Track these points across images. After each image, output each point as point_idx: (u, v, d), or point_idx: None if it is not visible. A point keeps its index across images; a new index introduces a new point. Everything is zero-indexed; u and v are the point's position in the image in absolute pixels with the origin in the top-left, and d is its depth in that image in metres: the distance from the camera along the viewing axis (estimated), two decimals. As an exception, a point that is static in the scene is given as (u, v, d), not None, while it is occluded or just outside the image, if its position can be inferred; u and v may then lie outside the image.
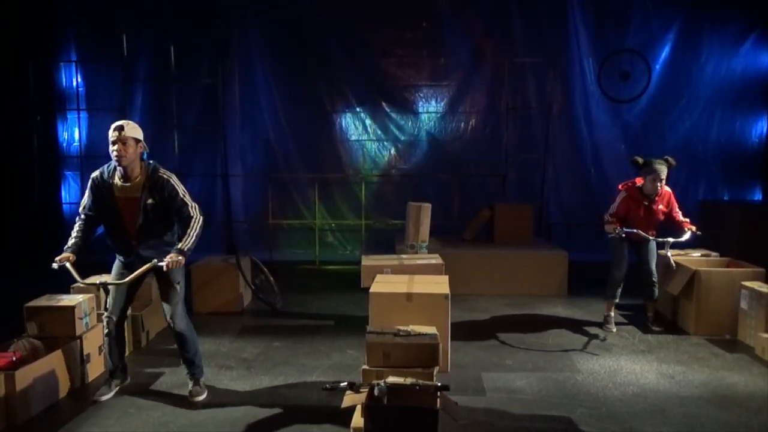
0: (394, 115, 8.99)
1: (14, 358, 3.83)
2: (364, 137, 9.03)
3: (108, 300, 4.08)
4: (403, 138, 9.02)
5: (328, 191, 8.89)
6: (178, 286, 3.99)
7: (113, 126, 3.77)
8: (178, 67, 8.57)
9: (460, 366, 4.67)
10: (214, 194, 8.91)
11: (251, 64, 8.78)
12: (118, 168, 3.82)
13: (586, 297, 6.66)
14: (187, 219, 3.87)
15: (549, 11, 8.55)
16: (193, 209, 3.90)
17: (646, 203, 5.33)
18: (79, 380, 4.27)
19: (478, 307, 6.39)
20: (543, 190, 8.77)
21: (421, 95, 8.96)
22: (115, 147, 3.73)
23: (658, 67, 8.60)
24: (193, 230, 3.85)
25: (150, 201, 3.84)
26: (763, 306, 4.96)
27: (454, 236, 7.89)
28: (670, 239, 5.29)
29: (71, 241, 3.88)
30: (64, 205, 9.03)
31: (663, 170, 5.22)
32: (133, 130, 3.81)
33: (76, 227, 3.95)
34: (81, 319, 4.30)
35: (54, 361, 4.02)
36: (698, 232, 5.33)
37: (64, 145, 9.07)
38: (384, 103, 8.94)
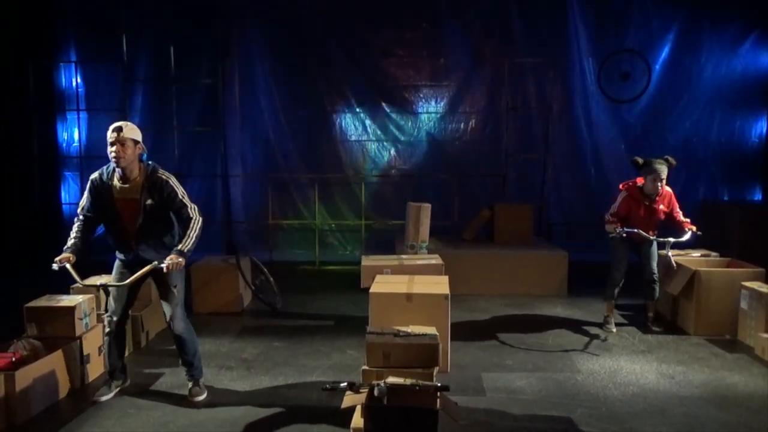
0: (394, 116, 8.98)
1: (14, 359, 3.83)
2: (364, 137, 9.03)
3: (109, 300, 4.08)
4: (403, 138, 9.01)
5: (328, 191, 8.88)
6: (175, 290, 3.99)
7: (112, 127, 3.77)
8: (178, 67, 8.57)
9: (460, 366, 4.66)
10: (214, 194, 8.90)
11: (251, 64, 8.78)
12: (117, 169, 3.82)
13: (586, 297, 6.66)
14: (187, 220, 3.87)
15: (549, 11, 8.55)
16: (193, 210, 3.90)
17: (647, 203, 5.33)
18: (79, 381, 4.27)
19: (478, 308, 6.39)
20: (543, 190, 8.77)
21: (421, 95, 8.96)
22: (114, 148, 3.73)
23: (658, 67, 8.59)
24: (193, 231, 3.85)
25: (149, 202, 3.84)
26: (763, 306, 4.96)
27: (454, 236, 7.89)
28: (671, 239, 5.29)
29: (70, 242, 3.88)
30: (63, 206, 9.02)
31: (663, 170, 5.22)
32: (132, 131, 3.80)
33: (75, 228, 3.95)
34: (81, 319, 4.30)
35: (54, 362, 4.03)
36: (699, 233, 5.33)
37: (64, 145, 9.06)
38: (384, 104, 8.94)
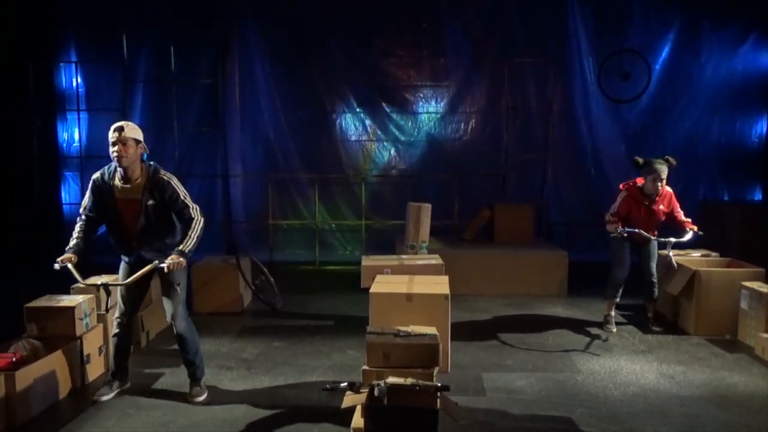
0: (394, 116, 8.98)
1: (14, 359, 3.83)
2: (364, 137, 9.03)
3: (118, 302, 4.09)
4: (403, 138, 9.02)
5: (328, 191, 8.88)
6: (178, 288, 3.99)
7: (113, 127, 3.78)
8: (178, 67, 8.57)
9: (461, 366, 4.67)
10: (215, 194, 8.90)
11: (251, 64, 8.78)
12: (118, 169, 3.82)
13: (586, 297, 6.66)
14: (188, 221, 3.88)
15: (549, 11, 8.55)
16: (194, 211, 3.90)
17: (647, 203, 5.33)
18: (79, 381, 4.27)
19: (478, 308, 6.39)
20: (543, 190, 8.76)
21: (421, 95, 8.97)
22: (116, 148, 3.73)
23: (658, 67, 8.59)
24: (194, 232, 3.85)
25: (151, 202, 3.84)
26: (763, 306, 4.95)
27: (454, 236, 7.89)
28: (672, 239, 5.29)
29: (72, 242, 3.88)
30: (64, 206, 9.03)
31: (663, 170, 5.22)
32: (133, 131, 3.81)
33: (77, 228, 3.95)
34: (81, 319, 4.30)
35: (54, 362, 4.02)
36: (700, 232, 5.33)
37: (64, 145, 9.07)
38: (384, 104, 8.94)
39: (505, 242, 7.52)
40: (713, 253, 6.05)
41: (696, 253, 6.01)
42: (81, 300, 4.34)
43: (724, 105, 8.65)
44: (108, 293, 4.05)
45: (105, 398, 4.04)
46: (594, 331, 5.60)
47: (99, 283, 3.92)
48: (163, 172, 3.91)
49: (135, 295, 4.10)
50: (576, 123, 8.82)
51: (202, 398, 4.07)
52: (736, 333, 5.32)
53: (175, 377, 4.44)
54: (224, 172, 8.83)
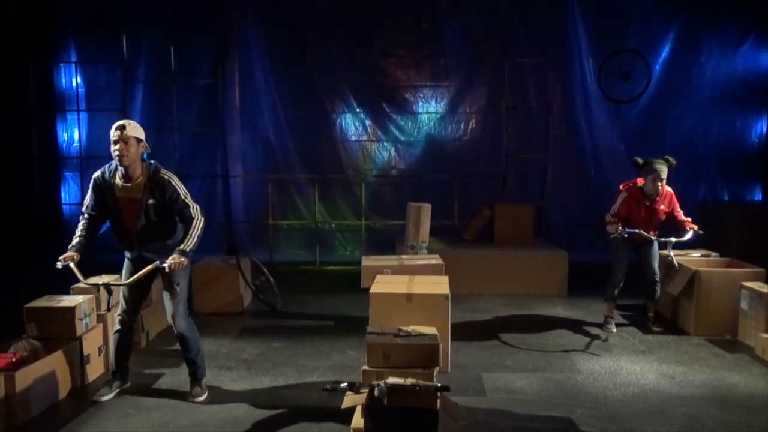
0: (394, 116, 8.98)
1: (14, 359, 3.83)
2: (364, 137, 9.03)
3: (120, 300, 4.09)
4: (403, 138, 9.01)
5: (328, 191, 8.88)
6: (178, 287, 3.99)
7: (115, 125, 3.78)
8: (178, 67, 8.57)
9: (461, 366, 4.66)
10: (215, 195, 8.90)
11: (251, 64, 8.78)
12: (119, 168, 3.82)
13: (586, 297, 6.65)
14: (189, 220, 3.88)
15: (549, 11, 8.54)
16: (195, 210, 3.90)
17: (647, 203, 5.33)
18: (79, 381, 4.27)
19: (479, 308, 6.39)
20: (543, 190, 8.76)
21: (421, 96, 8.96)
22: (117, 146, 3.73)
23: (658, 67, 8.59)
24: (195, 231, 3.85)
25: (151, 201, 3.84)
26: (763, 306, 4.95)
27: (454, 236, 7.89)
28: (673, 239, 5.29)
29: (75, 240, 3.89)
30: (63, 206, 9.03)
31: (663, 170, 5.22)
32: (135, 129, 3.81)
33: (80, 226, 3.96)
34: (81, 320, 4.30)
35: (54, 362, 4.02)
36: (700, 232, 5.33)
37: (64, 145, 9.06)
38: (384, 104, 8.93)
39: (505, 242, 7.52)
40: (713, 253, 6.05)
41: (696, 253, 6.01)
42: (81, 300, 4.34)
43: (724, 105, 8.64)
44: (109, 293, 4.06)
45: (105, 398, 4.04)
46: (594, 331, 5.60)
47: (100, 282, 3.93)
48: (163, 171, 3.91)
49: (137, 295, 4.10)
50: (576, 123, 8.81)
51: (202, 398, 4.07)
52: (736, 333, 5.32)
53: (175, 377, 4.44)
54: (224, 172, 8.83)
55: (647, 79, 8.52)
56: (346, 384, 2.83)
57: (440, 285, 4.72)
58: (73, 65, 8.85)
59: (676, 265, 5.44)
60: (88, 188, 3.99)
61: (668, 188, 5.39)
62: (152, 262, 3.80)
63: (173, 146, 8.56)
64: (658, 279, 5.51)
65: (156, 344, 5.26)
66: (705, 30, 8.48)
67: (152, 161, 3.94)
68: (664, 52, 8.59)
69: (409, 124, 9.01)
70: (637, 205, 5.35)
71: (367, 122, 9.00)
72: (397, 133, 9.01)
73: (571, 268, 6.98)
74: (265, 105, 8.84)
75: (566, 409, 3.93)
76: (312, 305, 6.56)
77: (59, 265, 3.73)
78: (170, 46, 8.48)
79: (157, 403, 4.02)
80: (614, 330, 5.56)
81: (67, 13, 8.77)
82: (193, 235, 3.84)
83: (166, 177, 3.87)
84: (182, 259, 3.76)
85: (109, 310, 4.57)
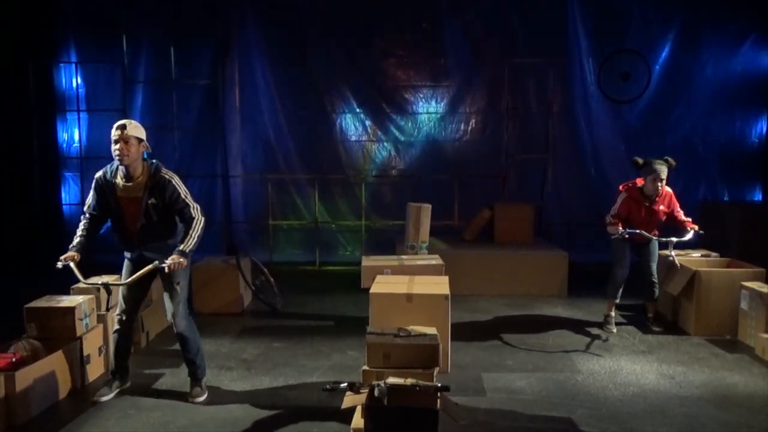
0: (394, 116, 8.98)
1: (14, 359, 3.83)
2: (364, 138, 9.03)
3: (119, 300, 4.09)
4: (403, 138, 9.01)
5: (328, 191, 8.88)
6: (178, 287, 3.99)
7: (116, 125, 3.78)
8: (178, 67, 8.56)
9: (461, 366, 4.67)
10: (214, 195, 8.90)
11: (251, 64, 8.78)
12: (120, 168, 3.83)
13: (586, 297, 6.66)
14: (189, 220, 3.88)
15: (549, 11, 8.54)
16: (195, 210, 3.90)
17: (647, 204, 5.33)
18: (79, 381, 4.26)
19: (479, 308, 6.39)
20: (543, 190, 8.76)
21: (421, 96, 8.96)
22: (117, 146, 3.73)
23: (658, 67, 8.59)
24: (195, 231, 3.85)
25: (152, 201, 3.84)
26: (763, 306, 4.95)
27: (454, 236, 7.89)
28: (674, 239, 5.29)
29: (76, 240, 3.90)
30: (64, 206, 9.02)
31: (663, 170, 5.22)
32: (136, 129, 3.81)
33: (81, 226, 3.97)
34: (81, 320, 4.30)
35: (54, 362, 4.02)
36: (701, 232, 5.33)
37: (64, 146, 9.06)
38: (384, 104, 8.93)
39: (505, 242, 7.52)
40: (713, 253, 6.04)
41: (696, 253, 6.01)
42: (81, 300, 4.34)
43: (724, 105, 8.64)
44: (109, 293, 4.06)
45: (105, 398, 4.04)
46: (594, 331, 5.60)
47: (100, 282, 3.93)
48: (164, 170, 3.91)
49: (136, 295, 4.10)
50: (576, 123, 8.81)
51: (202, 398, 4.07)
52: (736, 333, 5.32)
53: (175, 377, 4.44)
54: (224, 172, 8.83)
55: (647, 79, 8.52)
56: (346, 384, 2.83)
57: (440, 285, 4.72)
58: (73, 65, 8.85)
59: (678, 265, 5.44)
60: (88, 188, 4.00)
61: (668, 188, 5.40)
62: (153, 261, 3.79)
63: (173, 146, 8.56)
64: (656, 280, 5.52)
65: (156, 344, 5.26)
66: (705, 30, 8.47)
67: (153, 161, 3.95)
68: (664, 52, 8.59)
69: (409, 124, 9.01)
70: (637, 205, 5.35)
71: (367, 122, 9.00)
72: (397, 134, 9.01)
73: (571, 268, 6.98)
74: (265, 105, 8.84)
75: (566, 409, 3.93)
76: (312, 305, 6.56)
77: (59, 265, 3.74)
78: (170, 46, 8.48)
79: (157, 403, 4.01)
80: (614, 330, 5.56)
81: (67, 13, 8.77)
82: (193, 235, 3.84)
83: (166, 176, 3.88)
84: (181, 259, 3.76)
85: (108, 310, 4.57)
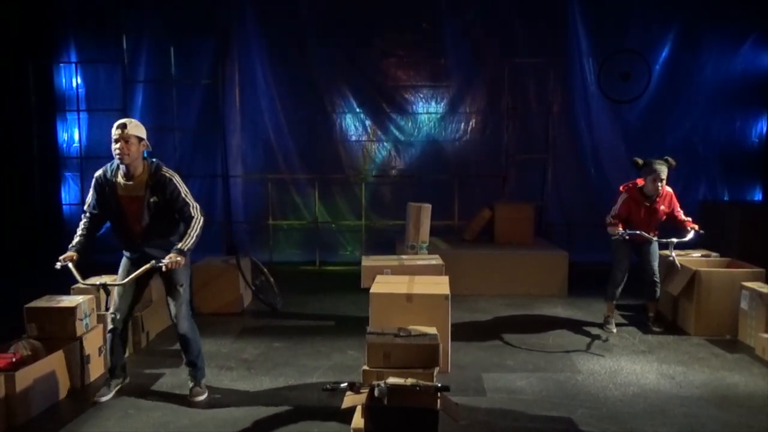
0: (394, 116, 8.97)
1: (14, 359, 3.83)
2: (364, 138, 9.02)
3: (114, 298, 4.09)
4: (403, 138, 9.01)
5: (328, 191, 8.88)
6: (181, 288, 3.99)
7: (116, 124, 3.78)
8: (178, 67, 8.57)
9: (461, 366, 4.66)
10: (214, 195, 8.89)
11: (251, 64, 8.77)
12: (121, 166, 3.82)
13: (586, 297, 6.65)
14: (188, 219, 3.88)
15: (549, 11, 8.54)
16: (195, 209, 3.90)
17: (647, 204, 5.33)
18: (79, 381, 4.26)
19: (479, 308, 6.38)
20: (543, 190, 8.76)
21: (422, 96, 8.96)
22: (118, 145, 3.73)
23: (658, 67, 8.58)
24: (193, 230, 3.85)
25: (153, 200, 3.84)
26: (763, 306, 4.95)
27: (454, 236, 7.88)
28: (674, 240, 5.29)
29: (76, 240, 3.90)
30: (64, 206, 9.02)
31: (663, 170, 5.21)
32: (136, 128, 3.81)
33: (81, 225, 3.97)
34: (81, 320, 4.30)
35: (54, 362, 4.03)
36: (701, 231, 5.33)
37: (64, 146, 9.06)
38: (384, 104, 8.93)
39: (505, 242, 7.51)
40: (713, 253, 6.05)
41: (696, 253, 6.01)
42: (81, 300, 4.34)
43: (724, 105, 8.64)
44: (107, 293, 4.07)
45: (105, 398, 4.04)
46: (594, 331, 5.60)
47: (98, 282, 3.93)
48: (165, 169, 3.91)
49: (132, 294, 4.08)
50: (576, 123, 8.81)
51: (202, 398, 4.07)
52: (736, 333, 5.32)
53: (175, 378, 4.44)
54: (224, 172, 8.82)
55: (647, 79, 8.51)
56: (346, 384, 2.83)
57: (440, 285, 4.72)
58: (73, 65, 8.84)
59: (678, 265, 5.44)
60: (88, 188, 3.99)
61: (668, 189, 5.39)
62: (155, 259, 3.79)
63: (173, 146, 8.56)
64: (658, 279, 5.51)
65: (156, 344, 5.26)
66: (705, 30, 8.47)
67: (154, 159, 3.95)
68: (664, 52, 8.58)
69: (409, 124, 9.01)
70: (637, 205, 5.34)
71: (367, 122, 9.00)
72: (397, 133, 9.01)
73: (571, 268, 6.98)
74: (265, 105, 8.83)
75: (566, 409, 3.93)
76: (312, 305, 6.55)
77: (58, 265, 3.74)
78: (170, 46, 8.48)
79: (157, 404, 4.01)
80: (614, 330, 5.56)
81: (67, 13, 8.76)
82: (192, 234, 3.84)
83: (167, 175, 3.88)
84: (179, 258, 3.75)
85: (107, 310, 4.56)
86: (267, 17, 8.68)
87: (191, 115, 8.81)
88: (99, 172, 3.92)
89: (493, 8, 8.64)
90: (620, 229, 5.24)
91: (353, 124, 9.02)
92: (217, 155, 8.84)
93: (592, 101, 8.70)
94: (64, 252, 3.82)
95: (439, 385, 2.80)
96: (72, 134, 9.04)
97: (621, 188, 5.49)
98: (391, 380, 2.83)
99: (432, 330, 3.80)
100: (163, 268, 3.72)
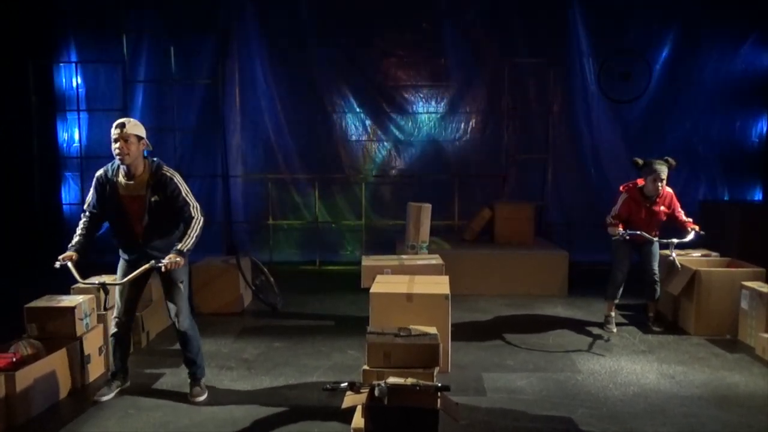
0: (394, 116, 8.97)
1: (15, 359, 3.83)
2: (364, 137, 9.02)
3: (116, 301, 4.09)
4: (403, 138, 9.01)
5: (328, 191, 8.88)
6: (181, 285, 4.00)
7: (115, 123, 3.78)
8: (178, 67, 8.56)
9: (461, 366, 4.66)
10: (214, 194, 8.89)
11: (251, 64, 8.77)
12: (122, 166, 3.82)
13: (586, 297, 6.66)
14: (188, 219, 3.88)
15: (549, 11, 8.53)
16: (195, 209, 3.90)
17: (648, 204, 5.32)
18: (79, 381, 4.27)
19: (479, 308, 6.39)
20: (543, 190, 8.76)
21: (422, 96, 8.95)
22: (117, 145, 3.73)
23: (658, 67, 8.58)
24: (193, 230, 3.85)
25: (155, 199, 3.84)
26: (763, 306, 4.96)
27: (455, 236, 7.88)
28: (675, 240, 5.29)
29: (75, 239, 3.90)
30: (64, 206, 9.01)
31: (663, 170, 5.21)
32: (136, 127, 3.81)
33: (81, 225, 3.96)
34: (81, 319, 4.30)
35: (54, 362, 4.03)
36: (702, 232, 5.33)
37: (64, 145, 9.05)
38: (384, 104, 8.93)
39: (505, 242, 7.51)
40: (713, 253, 6.05)
41: (696, 253, 6.01)
42: (81, 300, 4.34)
43: (724, 105, 8.63)
44: (106, 292, 4.05)
45: (105, 398, 4.04)
46: (594, 331, 5.60)
47: (97, 282, 3.93)
48: (166, 168, 3.91)
49: (132, 295, 4.09)
50: (576, 123, 8.81)
51: (202, 398, 4.07)
52: (736, 333, 5.32)
53: (175, 377, 4.44)
54: (224, 172, 8.82)
55: (647, 79, 8.51)
56: (346, 384, 2.83)
57: (440, 285, 4.72)
58: (73, 65, 8.84)
59: (679, 266, 5.44)
60: (88, 188, 3.99)
61: (668, 189, 5.39)
62: (156, 259, 3.79)
63: (173, 146, 8.55)
64: (658, 279, 5.51)
65: (156, 344, 5.26)
66: (705, 30, 8.46)
67: (155, 159, 3.95)
68: (664, 52, 8.58)
69: (409, 124, 9.00)
70: (637, 206, 5.34)
71: (367, 122, 8.99)
72: (397, 133, 9.01)
73: (571, 268, 6.98)
74: (265, 105, 8.83)
75: (567, 409, 3.93)
76: (312, 305, 6.56)
77: (57, 264, 3.73)
78: (170, 45, 8.47)
79: (157, 403, 4.02)
80: (614, 330, 5.56)
81: (67, 13, 8.76)
82: (191, 234, 3.84)
83: (168, 174, 3.88)
84: (179, 258, 3.75)
85: (106, 309, 4.56)
86: (267, 17, 8.68)
87: (191, 115, 8.81)
88: (100, 172, 3.92)
89: (493, 8, 8.63)
90: (620, 229, 5.24)
91: (353, 124, 9.02)
92: (217, 155, 8.84)
93: (592, 101, 8.70)
94: (65, 252, 3.82)
95: (440, 384, 2.80)
96: (72, 134, 9.03)
97: (621, 188, 5.49)
98: (391, 380, 2.83)
99: (432, 330, 3.80)
100: (163, 269, 3.72)
